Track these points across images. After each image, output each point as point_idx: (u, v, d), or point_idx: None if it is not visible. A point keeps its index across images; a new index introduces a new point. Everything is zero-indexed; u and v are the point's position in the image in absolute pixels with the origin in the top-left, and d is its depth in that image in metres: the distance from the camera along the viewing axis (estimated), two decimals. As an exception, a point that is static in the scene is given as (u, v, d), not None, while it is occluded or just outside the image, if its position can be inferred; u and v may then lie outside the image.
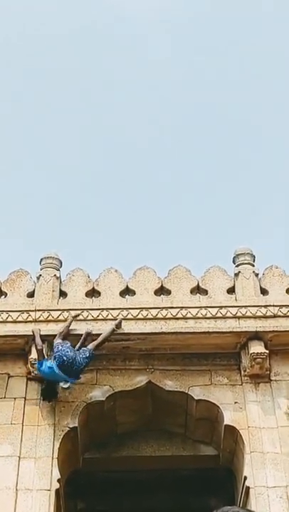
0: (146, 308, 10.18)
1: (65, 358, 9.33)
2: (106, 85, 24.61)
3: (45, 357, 9.57)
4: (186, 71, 24.56)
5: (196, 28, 24.41)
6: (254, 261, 10.89)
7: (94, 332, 9.94)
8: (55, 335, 9.91)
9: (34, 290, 10.60)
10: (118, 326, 9.87)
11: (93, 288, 10.67)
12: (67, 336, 9.74)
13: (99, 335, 9.78)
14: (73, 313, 10.15)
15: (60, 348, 9.44)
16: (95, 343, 9.65)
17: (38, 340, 9.67)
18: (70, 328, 9.98)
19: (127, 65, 24.15)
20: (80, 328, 10.02)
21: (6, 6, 23.46)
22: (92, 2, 24.62)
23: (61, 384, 9.43)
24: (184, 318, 10.09)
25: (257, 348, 9.81)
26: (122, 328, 9.94)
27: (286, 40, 23.91)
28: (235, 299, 10.41)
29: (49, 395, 9.65)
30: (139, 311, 10.16)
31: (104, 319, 10.12)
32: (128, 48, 24.29)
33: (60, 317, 10.12)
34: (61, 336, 9.67)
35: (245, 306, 10.18)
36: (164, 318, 10.09)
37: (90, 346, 9.62)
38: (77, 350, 9.54)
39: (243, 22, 24.08)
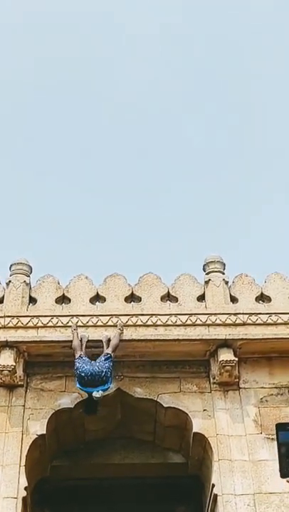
0: (117, 315, 10.17)
1: (83, 374, 9.27)
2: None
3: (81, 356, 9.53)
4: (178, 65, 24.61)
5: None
6: (224, 269, 10.93)
7: (63, 339, 9.91)
8: (24, 341, 9.87)
9: (3, 296, 10.54)
10: (121, 329, 9.89)
11: (63, 294, 10.63)
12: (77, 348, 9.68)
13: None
14: (44, 320, 10.11)
15: (77, 365, 9.39)
16: (110, 348, 9.61)
17: (75, 342, 9.68)
18: (40, 335, 9.95)
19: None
20: (50, 335, 9.98)
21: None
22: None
23: (94, 394, 9.24)
24: (154, 325, 10.09)
25: (226, 355, 9.84)
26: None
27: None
28: (205, 307, 10.44)
29: (89, 409, 9.48)
30: (109, 318, 10.15)
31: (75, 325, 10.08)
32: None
33: (30, 323, 10.07)
34: (76, 351, 9.62)
35: (215, 314, 10.21)
36: (134, 325, 10.08)
37: (107, 350, 9.59)
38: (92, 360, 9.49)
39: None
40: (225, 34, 24.35)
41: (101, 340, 9.83)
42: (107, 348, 9.67)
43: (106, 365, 9.38)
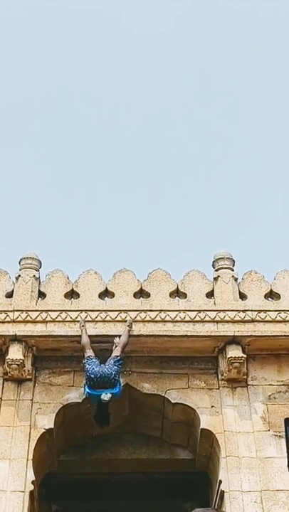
0: (125, 311, 10.16)
1: (92, 375, 9.26)
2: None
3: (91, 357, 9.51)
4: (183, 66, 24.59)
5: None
6: (234, 265, 10.91)
7: (72, 334, 9.92)
8: (33, 336, 9.88)
9: (13, 290, 10.54)
10: (130, 326, 9.89)
11: (72, 289, 10.64)
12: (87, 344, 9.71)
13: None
14: (52, 314, 10.10)
15: (87, 367, 9.39)
16: (119, 348, 9.62)
17: (84, 339, 9.69)
18: (49, 329, 9.96)
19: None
20: (59, 329, 9.99)
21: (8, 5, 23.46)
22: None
23: (102, 396, 9.22)
24: (163, 321, 10.08)
25: (234, 352, 9.83)
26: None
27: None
28: (214, 303, 10.42)
29: (102, 420, 9.47)
30: (117, 313, 10.14)
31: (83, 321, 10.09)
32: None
33: (39, 318, 10.07)
34: (85, 349, 9.64)
35: (224, 311, 10.19)
36: (143, 321, 10.07)
37: (116, 353, 9.58)
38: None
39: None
40: (225, 37, 24.43)
41: (109, 335, 9.85)
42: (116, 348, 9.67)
43: (115, 367, 9.39)
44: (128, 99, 24.57)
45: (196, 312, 10.17)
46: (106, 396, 9.19)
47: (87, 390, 9.33)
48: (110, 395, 9.21)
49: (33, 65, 24.35)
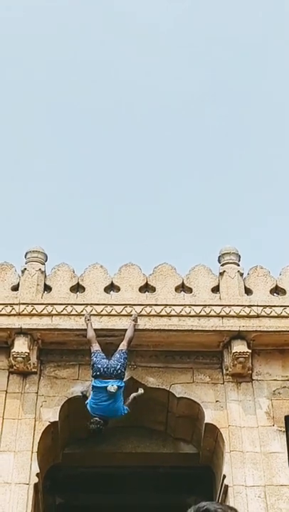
0: (131, 305, 10.17)
1: (99, 365, 9.34)
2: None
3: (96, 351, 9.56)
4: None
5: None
6: (239, 260, 10.91)
7: (77, 327, 9.94)
8: (39, 329, 9.90)
9: (19, 284, 10.56)
10: (136, 320, 9.92)
11: (78, 283, 10.65)
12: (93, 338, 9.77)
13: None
14: (58, 308, 10.11)
15: (94, 360, 9.47)
16: (125, 343, 9.65)
17: (90, 333, 9.75)
18: (55, 323, 9.98)
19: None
20: (64, 323, 10.01)
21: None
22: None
23: (108, 388, 9.25)
24: (168, 315, 10.10)
25: (239, 347, 9.84)
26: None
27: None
28: (220, 298, 10.42)
29: (96, 431, 9.46)
30: (123, 307, 10.16)
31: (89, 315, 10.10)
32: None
33: (44, 311, 10.10)
34: (91, 343, 9.69)
35: (229, 306, 10.20)
36: (148, 315, 10.09)
37: (122, 347, 9.62)
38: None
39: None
40: (225, 37, 24.38)
41: (114, 329, 9.86)
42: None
43: (121, 360, 9.44)
44: (128, 99, 24.54)
45: (202, 307, 10.18)
46: (112, 387, 9.20)
47: (93, 383, 9.35)
48: (116, 387, 9.23)
49: (33, 65, 24.35)
